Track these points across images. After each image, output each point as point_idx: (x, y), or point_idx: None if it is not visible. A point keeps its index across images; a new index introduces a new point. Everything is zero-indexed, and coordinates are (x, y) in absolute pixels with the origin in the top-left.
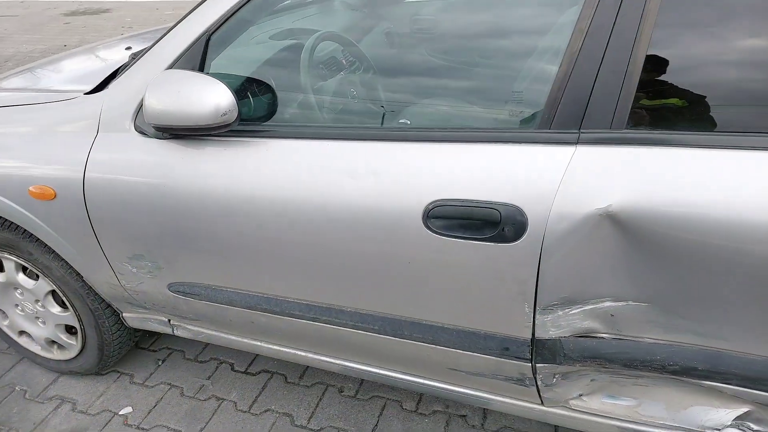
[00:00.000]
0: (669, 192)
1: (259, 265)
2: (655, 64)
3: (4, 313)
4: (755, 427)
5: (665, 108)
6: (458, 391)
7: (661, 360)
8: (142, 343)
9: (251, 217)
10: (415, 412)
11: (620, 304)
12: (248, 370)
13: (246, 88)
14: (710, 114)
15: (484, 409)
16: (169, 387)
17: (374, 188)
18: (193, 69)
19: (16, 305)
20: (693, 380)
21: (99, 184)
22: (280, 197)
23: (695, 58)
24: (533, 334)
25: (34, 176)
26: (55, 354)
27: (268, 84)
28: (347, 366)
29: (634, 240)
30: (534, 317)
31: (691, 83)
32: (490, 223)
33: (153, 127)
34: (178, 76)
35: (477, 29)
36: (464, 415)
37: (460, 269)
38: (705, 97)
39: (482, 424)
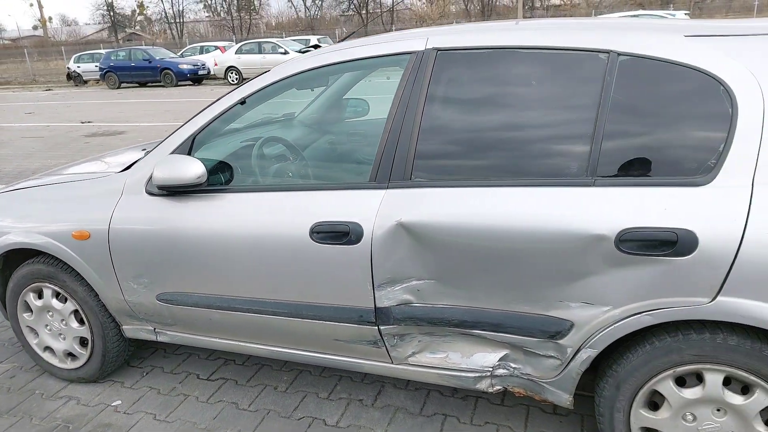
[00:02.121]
0: (432, 212)
1: (215, 274)
2: (423, 145)
3: (36, 333)
4: (513, 365)
5: (428, 168)
6: (343, 360)
7: (448, 317)
8: (132, 363)
9: (211, 241)
10: (327, 399)
11: (421, 282)
12: (210, 378)
13: (215, 165)
14: (450, 169)
15: (376, 394)
16: (149, 389)
17: (282, 218)
18: (183, 154)
19: (46, 325)
20: (467, 330)
21: (119, 226)
22: (230, 226)
23: (444, 142)
24: (375, 305)
25: (77, 225)
26: (68, 364)
27: (228, 163)
28: (273, 350)
29: (417, 240)
30: (374, 293)
31: (440, 157)
32: (344, 234)
33: (157, 187)
34: (175, 157)
35: (355, 130)
36: (361, 399)
37: (330, 263)
38: (447, 160)
39: (373, 404)
